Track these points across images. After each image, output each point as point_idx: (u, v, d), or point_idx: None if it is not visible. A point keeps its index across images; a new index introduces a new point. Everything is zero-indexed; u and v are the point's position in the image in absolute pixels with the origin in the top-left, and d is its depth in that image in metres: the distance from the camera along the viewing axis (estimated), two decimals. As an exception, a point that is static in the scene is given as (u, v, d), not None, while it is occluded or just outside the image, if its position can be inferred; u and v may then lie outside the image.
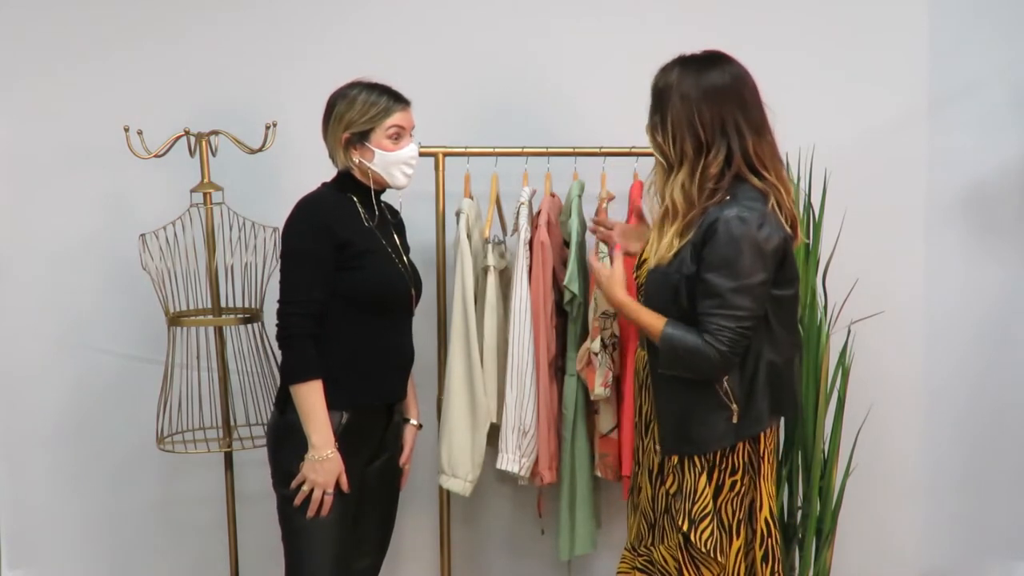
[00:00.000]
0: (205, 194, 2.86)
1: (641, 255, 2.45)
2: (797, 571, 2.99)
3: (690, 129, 2.18)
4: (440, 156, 2.97)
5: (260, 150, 2.88)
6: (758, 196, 2.18)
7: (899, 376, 3.29)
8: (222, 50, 3.16)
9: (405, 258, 2.58)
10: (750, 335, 2.18)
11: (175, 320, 2.87)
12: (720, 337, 2.14)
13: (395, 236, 2.59)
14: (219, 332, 2.93)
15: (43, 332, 3.27)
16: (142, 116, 2.88)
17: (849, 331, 3.04)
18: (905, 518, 3.37)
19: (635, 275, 2.44)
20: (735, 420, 2.23)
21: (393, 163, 2.48)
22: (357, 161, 2.47)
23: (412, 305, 2.59)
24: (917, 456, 3.34)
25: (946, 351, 3.30)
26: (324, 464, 2.38)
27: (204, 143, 2.86)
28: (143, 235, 2.84)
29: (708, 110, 2.16)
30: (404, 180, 2.52)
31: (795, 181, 2.94)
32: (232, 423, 2.98)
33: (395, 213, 2.68)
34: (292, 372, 2.39)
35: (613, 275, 2.38)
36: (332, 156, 2.50)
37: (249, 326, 2.92)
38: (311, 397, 2.37)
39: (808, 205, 2.96)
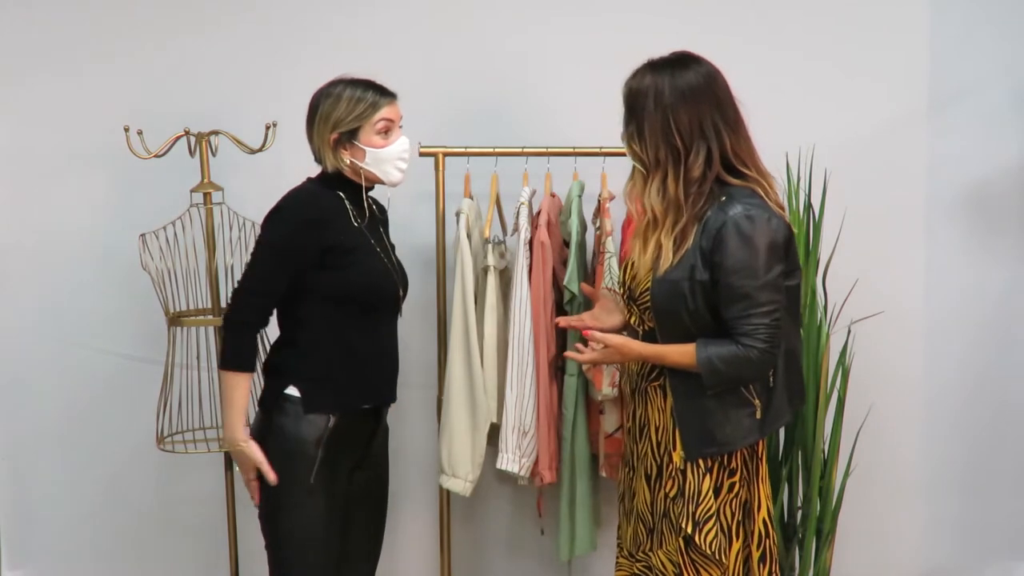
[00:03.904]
0: (205, 194, 2.86)
1: (630, 258, 2.38)
2: (797, 571, 2.99)
3: (666, 135, 2.15)
4: (440, 156, 2.97)
5: (260, 150, 2.87)
6: (751, 192, 2.18)
7: (899, 376, 3.29)
8: (222, 50, 3.16)
9: (393, 256, 2.56)
10: (782, 327, 2.18)
11: (175, 320, 2.87)
12: (757, 336, 2.13)
13: (384, 234, 2.57)
14: (219, 332, 2.93)
15: (43, 332, 3.27)
16: (142, 116, 2.88)
17: (849, 331, 3.04)
18: (905, 518, 3.37)
19: (625, 285, 2.37)
20: (759, 416, 2.23)
21: (386, 160, 2.43)
22: (348, 162, 2.42)
23: (399, 304, 2.56)
24: (917, 456, 3.34)
25: (946, 351, 3.30)
26: (239, 457, 2.43)
27: (204, 143, 2.86)
28: (143, 235, 2.84)
29: (684, 113, 2.15)
30: (399, 176, 2.47)
31: (795, 181, 2.94)
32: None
33: (383, 210, 2.64)
34: (228, 359, 2.41)
35: (619, 347, 2.26)
36: (320, 158, 2.44)
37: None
38: (239, 388, 2.40)
39: (808, 205, 2.96)
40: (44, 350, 3.28)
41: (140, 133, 2.82)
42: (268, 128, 2.84)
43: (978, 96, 3.21)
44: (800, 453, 2.97)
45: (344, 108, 2.38)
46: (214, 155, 2.88)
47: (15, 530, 3.37)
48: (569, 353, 2.34)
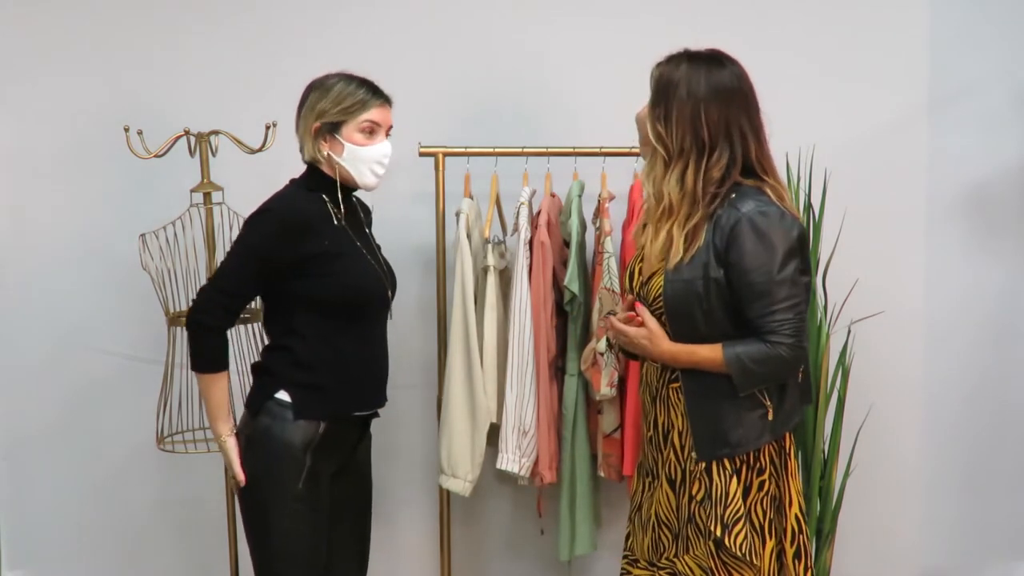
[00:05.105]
0: (205, 194, 2.86)
1: (633, 263, 2.35)
2: (797, 571, 2.99)
3: (693, 127, 2.13)
4: (440, 156, 2.97)
5: (260, 150, 2.87)
6: (757, 191, 2.16)
7: (899, 376, 3.29)
8: (222, 50, 3.16)
9: (380, 257, 2.52)
10: (807, 320, 2.16)
11: (175, 320, 2.87)
12: (784, 331, 2.11)
13: (369, 234, 2.54)
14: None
15: (43, 332, 3.27)
16: (142, 116, 2.88)
17: (849, 331, 3.04)
18: (905, 518, 3.37)
19: (634, 291, 2.32)
20: (770, 417, 2.21)
21: (363, 160, 2.37)
22: (326, 154, 2.37)
23: (389, 305, 2.52)
24: (917, 456, 3.35)
25: (946, 351, 3.30)
26: (224, 449, 2.41)
27: (204, 143, 2.86)
28: (143, 235, 2.84)
29: (716, 110, 2.13)
30: (373, 180, 2.41)
31: (795, 181, 2.94)
32: (232, 423, 2.97)
33: (367, 210, 2.61)
34: (199, 362, 2.37)
35: (652, 333, 2.24)
36: (301, 146, 2.41)
37: (248, 326, 2.92)
38: (215, 387, 2.38)
39: (808, 205, 2.96)
40: (44, 350, 3.28)
41: (140, 133, 2.82)
42: (268, 128, 2.84)
43: (978, 96, 3.21)
44: (800, 453, 2.97)
45: (333, 99, 2.35)
46: (214, 155, 2.88)
47: (15, 530, 3.37)
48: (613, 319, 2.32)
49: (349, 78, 2.38)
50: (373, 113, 2.36)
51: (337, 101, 2.34)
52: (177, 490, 3.34)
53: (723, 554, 2.22)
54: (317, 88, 2.38)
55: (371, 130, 2.37)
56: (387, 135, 2.43)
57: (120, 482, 3.34)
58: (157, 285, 2.86)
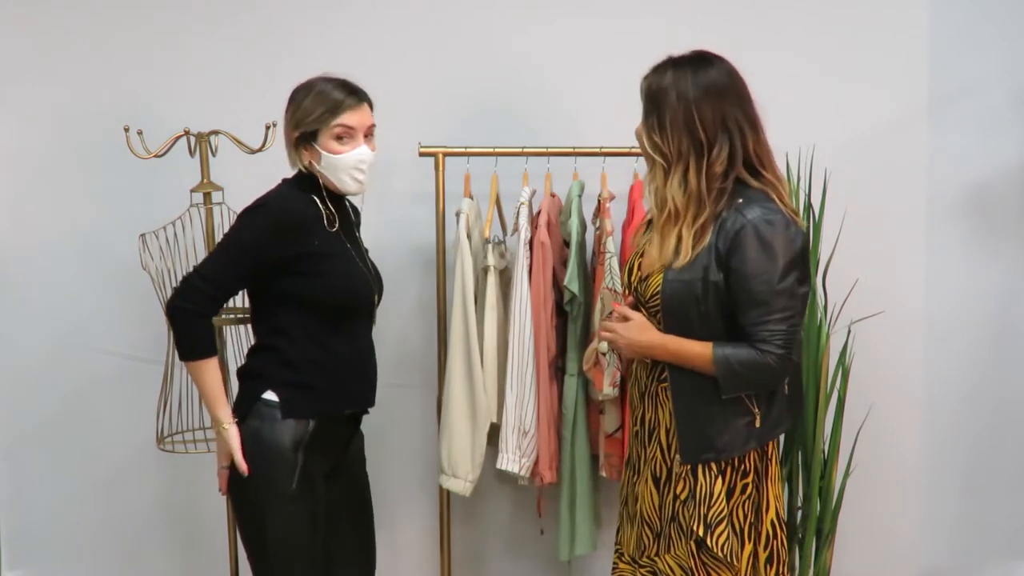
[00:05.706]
0: (205, 194, 2.86)
1: (632, 259, 2.36)
2: (797, 571, 2.99)
3: (688, 129, 2.14)
4: (440, 156, 2.97)
5: (260, 150, 2.87)
6: (765, 197, 2.16)
7: (899, 376, 3.29)
8: (222, 50, 3.16)
9: (368, 260, 2.51)
10: (799, 332, 2.17)
11: (175, 320, 2.86)
12: (775, 341, 2.12)
13: (357, 238, 2.53)
14: (219, 332, 2.93)
15: (43, 332, 3.27)
16: (142, 116, 2.88)
17: (849, 331, 3.04)
18: (905, 518, 3.37)
19: (632, 287, 2.33)
20: (757, 425, 2.22)
21: (339, 167, 2.33)
22: (307, 163, 2.36)
23: (375, 309, 2.50)
24: (917, 456, 3.35)
25: (946, 351, 3.30)
26: (218, 440, 2.36)
27: (204, 143, 2.86)
28: (143, 235, 2.84)
29: (709, 108, 2.13)
30: (354, 186, 2.37)
31: (795, 181, 2.94)
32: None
33: (357, 212, 2.60)
34: (186, 351, 2.33)
35: (640, 323, 2.25)
36: (288, 154, 2.41)
37: (249, 326, 2.91)
38: (208, 374, 2.33)
39: (808, 205, 2.96)
40: (44, 350, 3.28)
41: (140, 133, 2.82)
42: (268, 128, 2.83)
43: (978, 96, 3.21)
44: (800, 453, 2.98)
45: (308, 107, 2.32)
46: (214, 155, 2.88)
47: (15, 530, 3.37)
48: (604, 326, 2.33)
49: (328, 81, 2.35)
50: (345, 117, 2.32)
51: (311, 109, 2.32)
52: (177, 490, 3.34)
53: (704, 554, 2.23)
54: (297, 92, 2.37)
55: (345, 135, 2.33)
56: (369, 136, 2.39)
57: (120, 482, 3.34)
58: (157, 285, 2.86)
